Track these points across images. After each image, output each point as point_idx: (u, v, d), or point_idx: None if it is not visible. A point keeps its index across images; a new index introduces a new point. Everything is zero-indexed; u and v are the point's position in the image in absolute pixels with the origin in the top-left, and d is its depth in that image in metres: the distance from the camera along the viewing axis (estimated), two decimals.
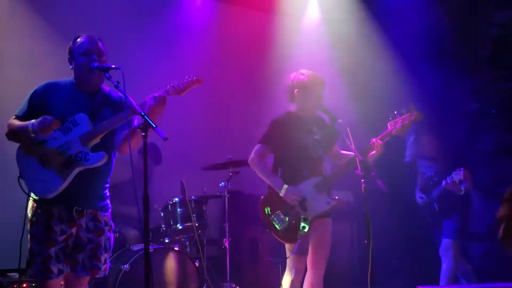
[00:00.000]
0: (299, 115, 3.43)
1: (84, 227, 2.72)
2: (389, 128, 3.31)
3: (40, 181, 2.63)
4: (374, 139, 3.27)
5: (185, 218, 4.22)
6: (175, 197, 4.29)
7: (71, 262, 2.70)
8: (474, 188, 4.87)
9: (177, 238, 4.29)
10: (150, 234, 4.14)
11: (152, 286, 2.30)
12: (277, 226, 3.29)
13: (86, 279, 2.77)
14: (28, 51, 4.64)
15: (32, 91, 2.79)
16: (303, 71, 3.46)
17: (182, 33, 5.28)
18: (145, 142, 2.38)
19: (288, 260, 3.34)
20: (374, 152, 3.24)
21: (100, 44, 2.80)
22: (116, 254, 3.94)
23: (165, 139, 2.36)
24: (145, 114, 2.45)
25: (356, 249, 5.31)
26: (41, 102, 2.74)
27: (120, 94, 2.76)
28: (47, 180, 2.62)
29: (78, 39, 2.80)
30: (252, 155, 3.41)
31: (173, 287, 3.87)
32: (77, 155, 2.65)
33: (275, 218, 3.30)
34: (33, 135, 2.63)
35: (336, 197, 3.37)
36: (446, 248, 4.36)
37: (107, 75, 2.64)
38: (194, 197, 4.33)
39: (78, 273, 2.71)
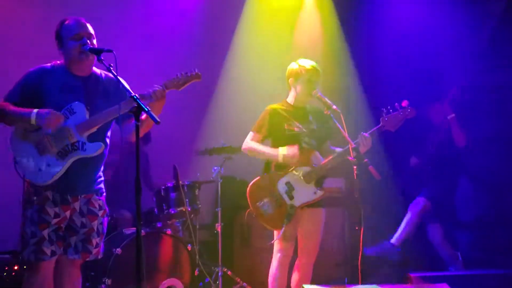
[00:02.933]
0: (294, 104, 3.49)
1: (78, 211, 2.72)
2: (381, 123, 3.29)
3: (36, 168, 2.62)
4: (362, 134, 3.27)
5: (178, 203, 4.23)
6: (167, 182, 4.30)
7: (63, 244, 2.71)
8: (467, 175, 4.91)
9: (170, 222, 4.31)
10: (143, 218, 4.17)
11: (143, 270, 2.31)
12: (263, 213, 3.36)
13: (78, 262, 2.78)
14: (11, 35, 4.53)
15: (24, 75, 2.72)
16: (299, 60, 3.50)
17: (172, 17, 5.20)
18: (137, 126, 2.37)
19: (275, 244, 3.42)
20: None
21: (89, 26, 2.75)
22: (108, 237, 3.94)
23: (157, 122, 2.36)
24: (137, 97, 2.44)
25: (347, 236, 5.34)
26: (35, 88, 2.69)
27: (111, 76, 2.75)
28: (42, 168, 2.61)
29: (66, 23, 2.73)
30: (244, 142, 3.49)
31: (165, 271, 3.89)
32: (74, 144, 2.64)
33: (262, 205, 3.35)
34: (35, 124, 2.60)
35: (324, 188, 3.38)
36: (415, 203, 4.47)
37: (100, 58, 2.61)
38: (187, 181, 4.34)
39: (69, 256, 2.73)
